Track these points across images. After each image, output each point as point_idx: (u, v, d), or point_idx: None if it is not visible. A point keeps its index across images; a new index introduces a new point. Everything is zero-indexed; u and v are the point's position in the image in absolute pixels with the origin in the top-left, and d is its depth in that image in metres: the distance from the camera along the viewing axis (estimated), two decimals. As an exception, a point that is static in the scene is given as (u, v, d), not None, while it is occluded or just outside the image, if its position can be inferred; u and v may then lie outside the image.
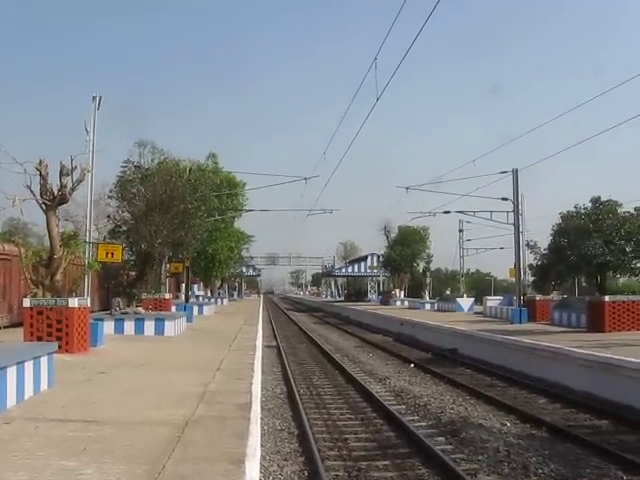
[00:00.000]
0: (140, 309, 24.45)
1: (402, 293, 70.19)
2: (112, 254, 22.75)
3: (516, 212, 33.20)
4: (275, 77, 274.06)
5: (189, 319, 27.00)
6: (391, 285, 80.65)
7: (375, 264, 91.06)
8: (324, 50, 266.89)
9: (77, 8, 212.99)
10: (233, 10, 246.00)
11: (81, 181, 17.20)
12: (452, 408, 14.40)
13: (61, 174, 16.32)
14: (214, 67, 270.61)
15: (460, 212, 41.55)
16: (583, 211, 29.40)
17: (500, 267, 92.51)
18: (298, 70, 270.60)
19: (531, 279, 39.04)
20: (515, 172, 32.61)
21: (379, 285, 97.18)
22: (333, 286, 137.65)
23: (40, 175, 15.96)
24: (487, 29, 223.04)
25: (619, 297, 25.07)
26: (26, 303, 14.79)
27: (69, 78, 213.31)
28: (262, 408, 11.90)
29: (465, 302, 47.05)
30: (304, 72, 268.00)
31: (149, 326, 21.17)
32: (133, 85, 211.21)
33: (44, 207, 16.20)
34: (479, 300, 48.79)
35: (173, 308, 30.65)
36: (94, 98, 24.79)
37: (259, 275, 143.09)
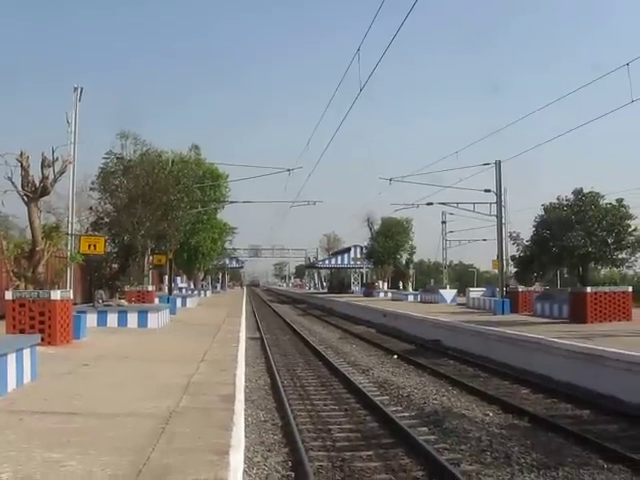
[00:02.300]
0: (123, 301, 24.37)
1: (385, 285, 70.40)
2: (94, 246, 22.59)
3: (499, 204, 33.34)
4: (259, 70, 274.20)
5: (172, 311, 26.94)
6: (374, 277, 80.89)
7: (358, 256, 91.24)
8: (309, 43, 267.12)
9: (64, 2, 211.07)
10: (217, 3, 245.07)
11: (63, 173, 17.13)
12: (435, 399, 14.47)
13: (43, 166, 16.24)
14: (197, 61, 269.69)
15: (443, 204, 41.76)
16: (565, 203, 29.57)
17: (483, 259, 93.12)
18: (282, 62, 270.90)
19: (514, 270, 39.18)
20: (498, 164, 32.75)
21: (362, 277, 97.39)
22: (316, 278, 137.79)
23: (21, 167, 15.88)
24: (478, 21, 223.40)
25: (601, 288, 25.25)
26: (8, 296, 14.71)
27: (54, 71, 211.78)
28: (246, 399, 11.91)
29: (448, 293, 47.25)
30: (288, 64, 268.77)
31: (132, 318, 21.10)
32: (118, 79, 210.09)
33: (25, 199, 16.11)
34: (462, 291, 49.02)
35: (156, 300, 30.55)
36: (75, 89, 24.58)
37: (242, 267, 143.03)
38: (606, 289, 25.00)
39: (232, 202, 49.24)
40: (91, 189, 27.28)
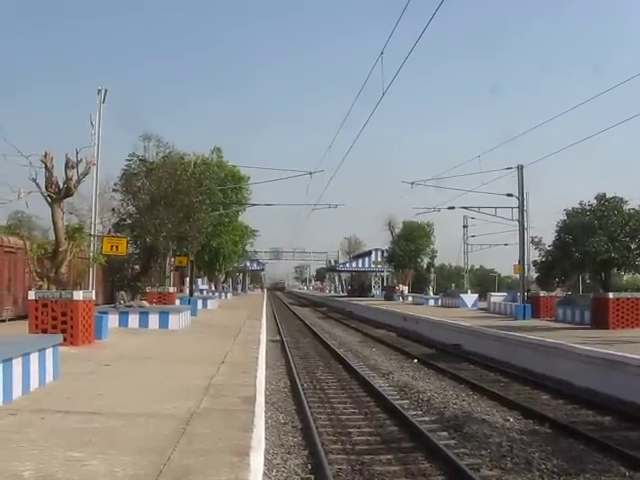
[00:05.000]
0: (144, 302, 24.49)
1: (406, 288, 70.20)
2: (117, 247, 22.82)
3: (521, 208, 33.18)
4: (280, 72, 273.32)
5: (193, 313, 27.06)
6: (395, 280, 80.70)
7: (379, 259, 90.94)
8: (328, 46, 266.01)
9: (81, 3, 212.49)
10: (236, 6, 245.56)
11: (86, 174, 17.24)
12: (455, 403, 14.41)
13: (66, 167, 16.36)
14: (217, 63, 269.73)
15: (465, 208, 41.47)
16: (588, 208, 29.33)
17: (504, 263, 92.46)
18: (303, 65, 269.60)
19: (535, 275, 38.93)
20: (520, 168, 32.60)
21: (383, 280, 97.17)
22: (337, 281, 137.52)
23: (45, 168, 16.00)
24: (488, 27, 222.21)
25: (623, 294, 25.07)
26: (31, 296, 14.85)
27: (74, 72, 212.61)
28: (266, 402, 11.92)
29: (469, 298, 47.04)
30: (309, 67, 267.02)
31: (153, 319, 21.23)
32: (137, 81, 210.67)
33: (49, 200, 16.23)
34: (483, 296, 48.78)
35: (177, 302, 30.70)
36: (99, 91, 24.77)
37: (263, 270, 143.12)
38: (628, 295, 24.82)
39: (254, 204, 49.38)
40: (113, 190, 27.49)
